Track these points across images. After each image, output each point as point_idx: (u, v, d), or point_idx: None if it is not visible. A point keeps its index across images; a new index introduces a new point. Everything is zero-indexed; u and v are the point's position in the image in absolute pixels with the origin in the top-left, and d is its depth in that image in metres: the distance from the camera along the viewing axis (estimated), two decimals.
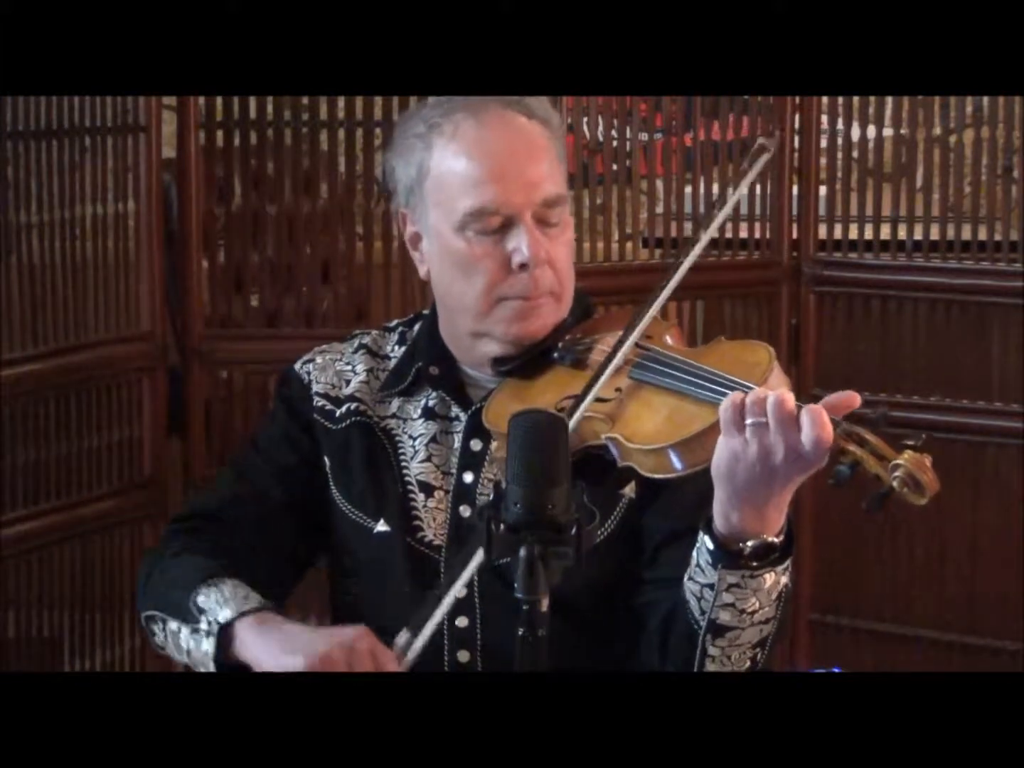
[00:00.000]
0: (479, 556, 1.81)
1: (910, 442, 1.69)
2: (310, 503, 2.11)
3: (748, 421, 1.71)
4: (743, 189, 2.12)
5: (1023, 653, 3.23)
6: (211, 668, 1.95)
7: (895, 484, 1.67)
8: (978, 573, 3.28)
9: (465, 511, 2.03)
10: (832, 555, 3.35)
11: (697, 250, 2.03)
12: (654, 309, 1.99)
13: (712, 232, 2.09)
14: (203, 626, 1.95)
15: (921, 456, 1.68)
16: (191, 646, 1.97)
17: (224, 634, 1.94)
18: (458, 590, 1.90)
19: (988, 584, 3.27)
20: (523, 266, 2.00)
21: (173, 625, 2.00)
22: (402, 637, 1.91)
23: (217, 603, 1.96)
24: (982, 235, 3.25)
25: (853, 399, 1.74)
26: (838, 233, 3.36)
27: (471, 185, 2.00)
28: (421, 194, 2.05)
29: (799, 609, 3.32)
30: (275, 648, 1.90)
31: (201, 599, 1.97)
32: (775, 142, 2.04)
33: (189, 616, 1.97)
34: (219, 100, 3.15)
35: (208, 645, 1.94)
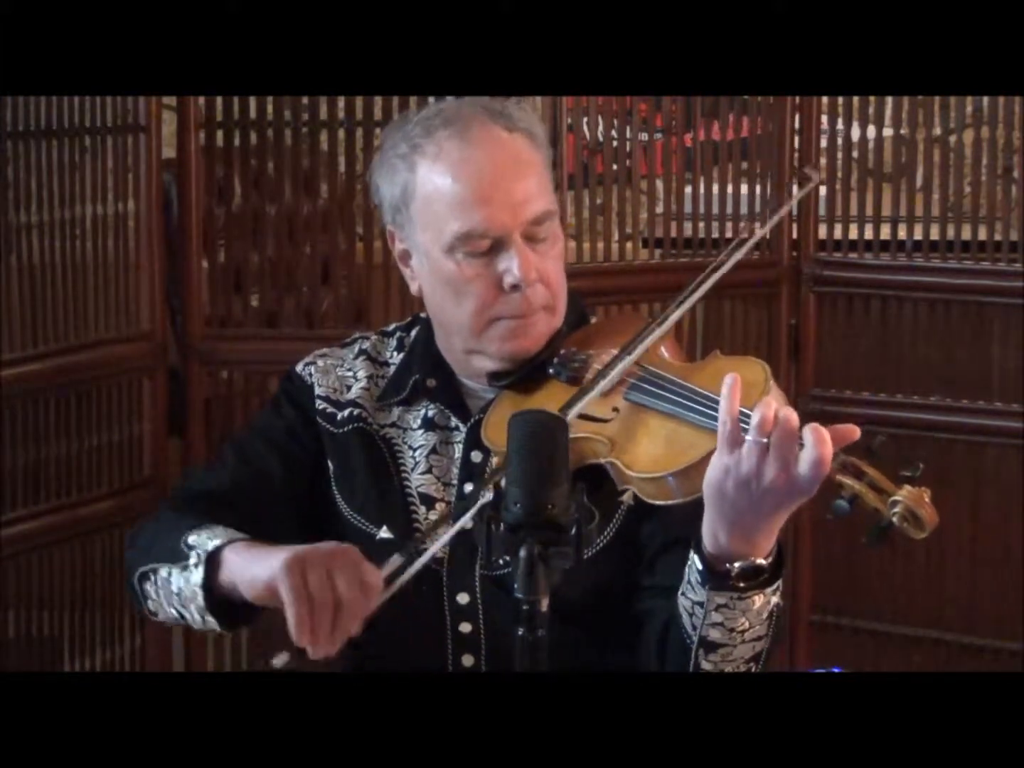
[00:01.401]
0: (487, 496, 1.71)
1: (907, 473, 1.68)
2: (310, 495, 2.10)
3: (749, 438, 1.70)
4: (776, 219, 2.05)
5: (1023, 653, 3.23)
6: (200, 601, 1.90)
7: (894, 519, 1.66)
8: (978, 573, 3.28)
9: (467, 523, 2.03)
10: (832, 555, 3.34)
11: (708, 284, 1.99)
12: (649, 340, 1.96)
13: (728, 267, 2.03)
14: (192, 560, 1.91)
15: (920, 491, 1.67)
16: (181, 584, 1.92)
17: (212, 562, 1.89)
18: (465, 521, 1.83)
19: (988, 584, 3.27)
20: (515, 287, 1.98)
21: (164, 571, 1.96)
22: (394, 558, 1.86)
23: (208, 538, 1.92)
24: (982, 235, 3.25)
25: (853, 432, 1.72)
26: (838, 233, 3.36)
27: (458, 208, 1.97)
28: (408, 214, 2.03)
29: (799, 609, 3.33)
30: (255, 560, 1.84)
31: (192, 538, 1.93)
32: (819, 174, 2.01)
33: (179, 555, 1.92)
34: (219, 100, 3.15)
35: (197, 575, 1.89)
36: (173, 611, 1.97)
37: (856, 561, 3.35)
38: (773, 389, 1.84)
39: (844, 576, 3.37)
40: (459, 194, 1.97)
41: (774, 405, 1.71)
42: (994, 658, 3.26)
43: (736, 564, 1.77)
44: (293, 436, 2.11)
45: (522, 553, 1.54)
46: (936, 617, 3.31)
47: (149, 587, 2.00)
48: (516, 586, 1.53)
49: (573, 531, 1.56)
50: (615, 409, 1.93)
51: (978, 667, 3.24)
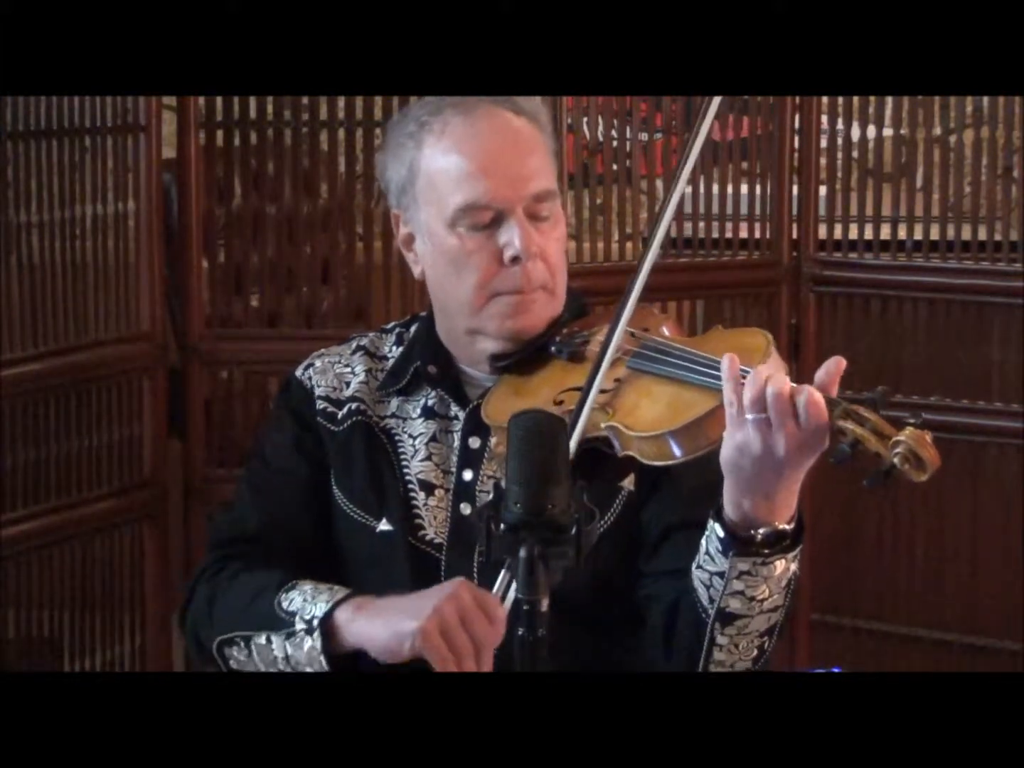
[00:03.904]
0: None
1: (910, 420, 1.70)
2: (326, 500, 2.11)
3: (749, 417, 1.72)
4: (701, 137, 2.05)
5: (1023, 653, 3.23)
6: (321, 666, 1.91)
7: (896, 461, 1.67)
8: (978, 573, 3.28)
9: (465, 509, 2.03)
10: (832, 555, 3.35)
11: (668, 217, 2.00)
12: (640, 280, 1.97)
13: (679, 191, 2.03)
14: (299, 626, 1.92)
15: (922, 432, 1.68)
16: (289, 651, 1.93)
17: (326, 627, 1.91)
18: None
19: (988, 584, 3.27)
20: (515, 259, 2.00)
21: (260, 639, 1.96)
22: (501, 575, 1.86)
23: (305, 601, 1.94)
24: (982, 235, 3.25)
25: (839, 363, 1.76)
26: (838, 233, 3.36)
27: (462, 180, 2.00)
28: (413, 193, 2.06)
29: (799, 609, 3.32)
30: (385, 622, 1.87)
31: (286, 604, 1.95)
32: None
33: (277, 623, 1.94)
34: (219, 100, 3.15)
35: (314, 642, 1.91)
36: (274, 670, 1.97)
37: (856, 561, 3.35)
38: (773, 355, 1.86)
39: (844, 576, 3.37)
40: (463, 167, 2.00)
41: (760, 380, 1.73)
42: (994, 658, 3.26)
43: (760, 530, 1.79)
44: (297, 449, 2.12)
45: (522, 553, 1.54)
46: (936, 617, 3.31)
47: (235, 652, 2.00)
48: (516, 586, 1.53)
49: (573, 531, 1.56)
50: (617, 380, 1.94)
51: (978, 667, 3.24)
